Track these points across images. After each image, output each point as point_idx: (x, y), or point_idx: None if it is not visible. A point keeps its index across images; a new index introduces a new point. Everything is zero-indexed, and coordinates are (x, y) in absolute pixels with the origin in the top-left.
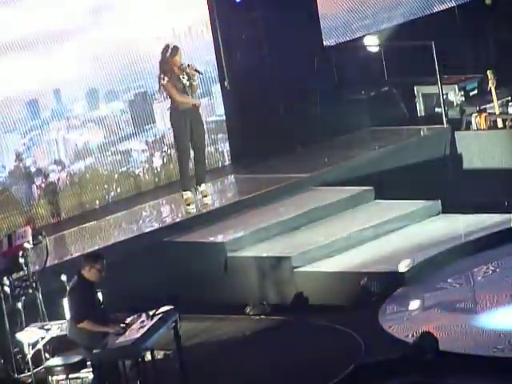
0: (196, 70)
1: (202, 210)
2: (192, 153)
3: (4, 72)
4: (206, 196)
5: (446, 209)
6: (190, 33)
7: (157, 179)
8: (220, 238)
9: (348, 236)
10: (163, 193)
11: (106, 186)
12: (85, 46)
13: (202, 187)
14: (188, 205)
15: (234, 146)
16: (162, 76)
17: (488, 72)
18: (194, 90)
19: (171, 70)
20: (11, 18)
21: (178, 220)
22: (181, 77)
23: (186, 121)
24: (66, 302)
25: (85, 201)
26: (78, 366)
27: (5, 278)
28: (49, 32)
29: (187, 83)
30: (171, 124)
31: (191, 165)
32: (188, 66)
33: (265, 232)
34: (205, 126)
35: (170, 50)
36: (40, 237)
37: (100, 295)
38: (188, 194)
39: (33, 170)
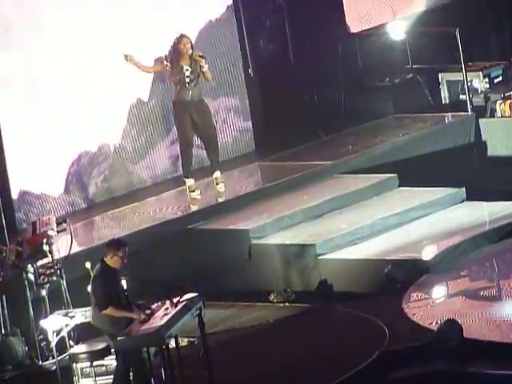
0: (201, 56)
1: (217, 198)
2: (202, 143)
3: None
4: (218, 184)
5: (471, 196)
6: (213, 21)
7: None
8: (244, 226)
9: (372, 223)
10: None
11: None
12: None
13: (216, 175)
14: (192, 191)
15: (258, 134)
16: (165, 62)
17: None
18: (207, 77)
19: (177, 59)
20: None
21: (202, 207)
22: (184, 68)
23: (185, 113)
24: (89, 289)
25: (110, 187)
26: (102, 354)
27: (29, 266)
28: None
29: (191, 75)
30: (173, 116)
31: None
32: (192, 53)
33: (289, 219)
34: (212, 116)
35: (176, 39)
36: (64, 224)
37: (124, 283)
38: (190, 182)
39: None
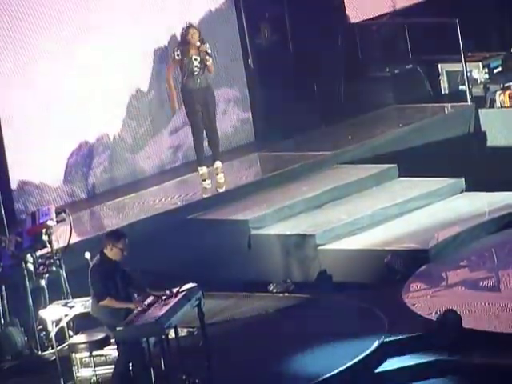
0: (207, 53)
1: (217, 188)
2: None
3: None
4: (218, 174)
5: (470, 186)
6: (213, 11)
7: (181, 156)
8: (244, 216)
9: (372, 214)
10: (187, 170)
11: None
12: None
13: (216, 165)
14: (204, 180)
15: (257, 124)
16: (175, 52)
17: None
18: (209, 70)
19: (186, 49)
20: None
21: (201, 198)
22: (193, 58)
23: (192, 100)
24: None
25: (109, 178)
26: (102, 344)
27: (28, 256)
28: None
29: (199, 65)
30: (183, 104)
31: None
32: (200, 46)
33: (288, 210)
34: (215, 107)
35: (183, 30)
36: (63, 214)
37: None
38: (203, 170)
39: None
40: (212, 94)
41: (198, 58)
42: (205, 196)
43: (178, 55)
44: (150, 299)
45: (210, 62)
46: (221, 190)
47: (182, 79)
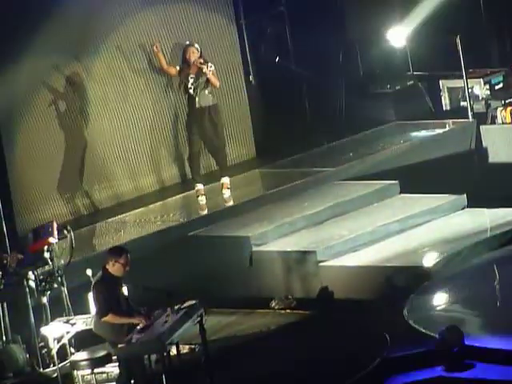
0: (201, 63)
1: (224, 204)
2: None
3: None
4: (225, 189)
5: (472, 203)
6: (214, 28)
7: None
8: (245, 232)
9: (373, 230)
10: (188, 187)
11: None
12: None
13: (223, 180)
14: (197, 196)
15: (259, 140)
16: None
17: None
18: (213, 82)
19: (185, 67)
20: None
21: (202, 214)
22: (189, 77)
23: (193, 121)
24: (90, 296)
25: (112, 194)
26: (104, 361)
27: (30, 273)
28: None
29: (195, 84)
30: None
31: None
32: (194, 60)
33: (289, 226)
34: (222, 125)
35: (184, 48)
36: (65, 231)
37: (125, 290)
38: (198, 186)
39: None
40: (218, 113)
41: (194, 77)
42: (201, 213)
43: (179, 71)
44: (153, 315)
45: (209, 73)
46: (227, 205)
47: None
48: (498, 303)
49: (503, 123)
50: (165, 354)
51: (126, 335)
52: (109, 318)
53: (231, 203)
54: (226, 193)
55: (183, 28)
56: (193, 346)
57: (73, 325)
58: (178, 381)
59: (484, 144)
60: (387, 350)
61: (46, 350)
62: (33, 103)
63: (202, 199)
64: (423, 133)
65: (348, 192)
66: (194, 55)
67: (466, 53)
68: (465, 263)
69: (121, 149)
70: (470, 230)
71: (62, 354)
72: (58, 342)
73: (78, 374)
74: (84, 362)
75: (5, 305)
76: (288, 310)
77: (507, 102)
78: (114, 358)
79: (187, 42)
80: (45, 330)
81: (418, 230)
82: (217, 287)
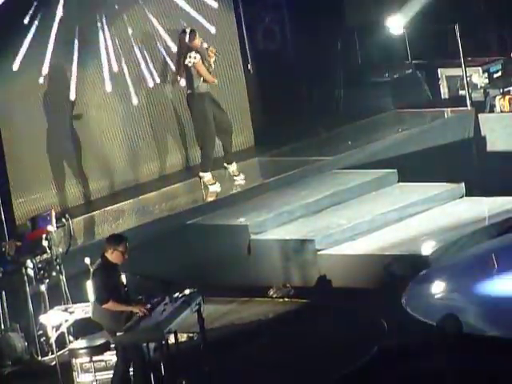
0: (215, 54)
1: (236, 189)
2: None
3: None
4: (237, 175)
5: (470, 191)
6: (212, 16)
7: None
8: (243, 221)
9: (371, 219)
10: (186, 175)
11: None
12: None
13: (233, 167)
14: (211, 184)
15: (257, 129)
16: (192, 55)
17: None
18: (198, 70)
19: (197, 51)
20: None
21: (200, 203)
22: (212, 60)
23: (206, 104)
24: (89, 284)
25: (109, 182)
26: (102, 349)
27: (28, 261)
28: None
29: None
30: (193, 109)
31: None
32: (208, 47)
33: (288, 215)
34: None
35: (188, 35)
36: (63, 219)
37: (124, 278)
38: (209, 176)
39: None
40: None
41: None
42: (210, 199)
43: (195, 57)
44: (153, 301)
45: (212, 60)
46: (234, 191)
47: (194, 83)
48: (494, 291)
49: (502, 112)
50: (163, 342)
51: (125, 323)
52: (109, 304)
53: (230, 192)
54: (239, 179)
55: (181, 16)
56: (191, 335)
57: (71, 313)
58: (177, 369)
59: (482, 132)
60: (385, 338)
61: (44, 338)
62: (30, 91)
63: (217, 186)
64: (421, 121)
65: (346, 181)
66: (198, 42)
67: (464, 41)
68: (463, 251)
69: (120, 137)
70: (468, 219)
71: (61, 342)
72: (57, 331)
73: (76, 362)
74: (82, 351)
75: (3, 293)
76: (286, 299)
77: (506, 90)
78: (113, 346)
79: (189, 29)
80: (43, 318)
81: (416, 218)
82: (215, 275)
